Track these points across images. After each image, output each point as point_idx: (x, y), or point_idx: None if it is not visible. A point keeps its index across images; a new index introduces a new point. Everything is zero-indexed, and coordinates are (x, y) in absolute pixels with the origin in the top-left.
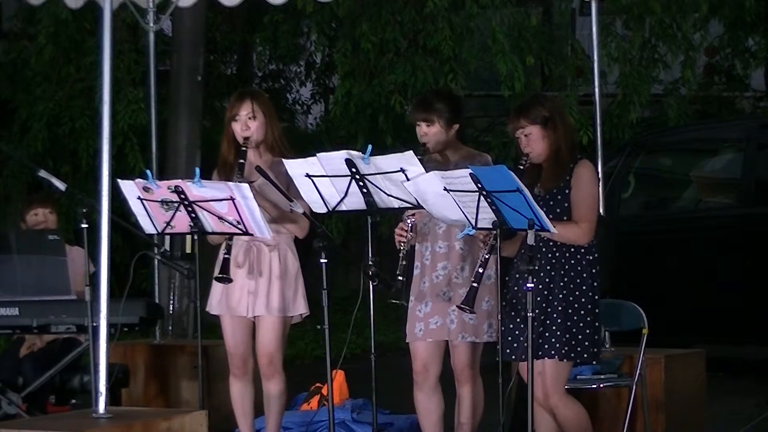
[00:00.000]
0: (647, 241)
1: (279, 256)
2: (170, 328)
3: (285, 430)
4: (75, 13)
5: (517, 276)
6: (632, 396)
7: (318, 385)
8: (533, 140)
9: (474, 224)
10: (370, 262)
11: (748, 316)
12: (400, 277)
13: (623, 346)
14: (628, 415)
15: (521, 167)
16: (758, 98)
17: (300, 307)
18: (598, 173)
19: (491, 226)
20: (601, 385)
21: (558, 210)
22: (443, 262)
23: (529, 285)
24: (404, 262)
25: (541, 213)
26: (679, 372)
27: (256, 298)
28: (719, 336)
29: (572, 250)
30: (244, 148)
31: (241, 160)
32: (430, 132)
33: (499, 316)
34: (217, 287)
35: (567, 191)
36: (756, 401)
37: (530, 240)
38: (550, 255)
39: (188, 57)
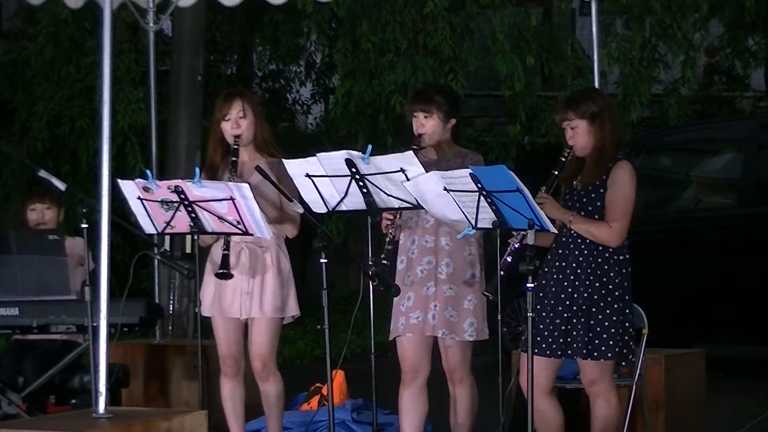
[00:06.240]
0: (647, 241)
1: (271, 256)
2: (170, 328)
3: (285, 430)
4: (75, 13)
5: (546, 269)
6: (632, 396)
7: (318, 385)
8: (579, 134)
9: (474, 224)
10: (370, 262)
11: (747, 316)
12: (384, 261)
13: None
14: (628, 415)
15: (563, 159)
16: (758, 98)
17: (292, 309)
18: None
19: (491, 226)
20: None
21: (590, 208)
22: (429, 256)
23: (529, 285)
24: (390, 247)
25: (541, 213)
26: (679, 372)
27: (250, 299)
28: (719, 336)
29: (600, 248)
30: (236, 146)
31: (234, 158)
32: (427, 124)
33: (500, 316)
34: (208, 289)
35: (602, 191)
36: (756, 401)
37: (530, 240)
38: (577, 252)
39: (188, 57)
